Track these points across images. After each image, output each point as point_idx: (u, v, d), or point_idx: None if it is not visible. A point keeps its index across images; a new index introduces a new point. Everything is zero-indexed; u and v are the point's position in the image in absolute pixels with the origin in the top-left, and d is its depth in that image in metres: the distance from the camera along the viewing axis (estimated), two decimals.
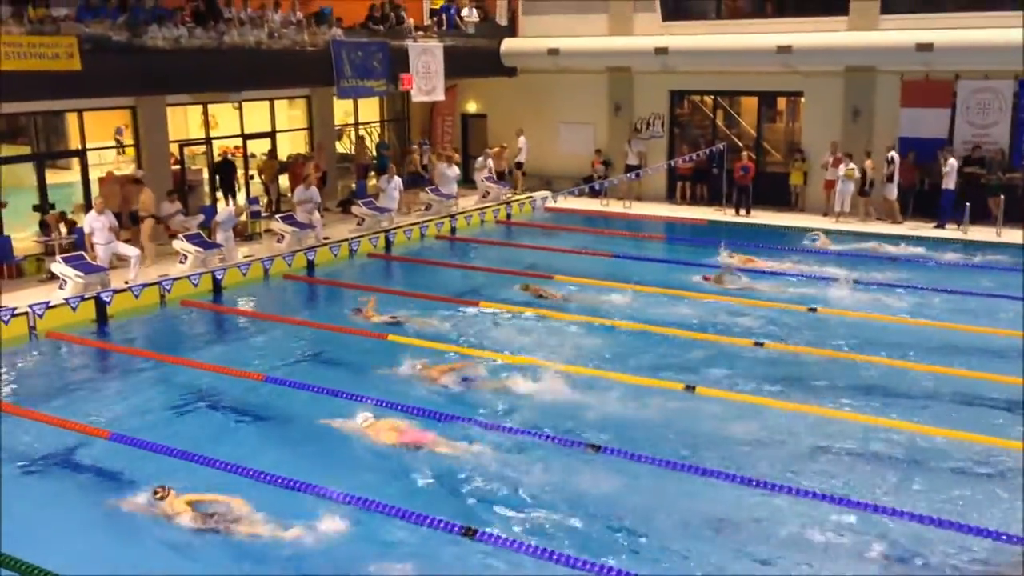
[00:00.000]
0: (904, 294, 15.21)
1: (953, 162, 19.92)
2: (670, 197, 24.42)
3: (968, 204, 19.30)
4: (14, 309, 13.37)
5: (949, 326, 13.29)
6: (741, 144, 23.53)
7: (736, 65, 22.49)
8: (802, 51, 21.31)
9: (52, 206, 17.53)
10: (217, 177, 21.06)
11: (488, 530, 7.82)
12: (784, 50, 21.35)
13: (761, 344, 12.74)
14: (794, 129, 23.91)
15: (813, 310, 14.27)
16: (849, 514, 8.27)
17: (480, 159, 24.15)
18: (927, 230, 19.91)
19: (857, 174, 20.83)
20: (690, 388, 10.99)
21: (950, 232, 19.69)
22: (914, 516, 7.99)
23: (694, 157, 22.55)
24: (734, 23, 23.20)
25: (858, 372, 11.89)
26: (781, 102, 24.35)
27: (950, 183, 19.93)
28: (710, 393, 10.91)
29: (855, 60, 21.40)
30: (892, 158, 20.63)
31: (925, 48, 19.89)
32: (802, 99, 23.03)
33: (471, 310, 14.71)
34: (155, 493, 8.43)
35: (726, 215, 22.08)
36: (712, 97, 24.53)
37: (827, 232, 19.53)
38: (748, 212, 22.06)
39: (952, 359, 12.11)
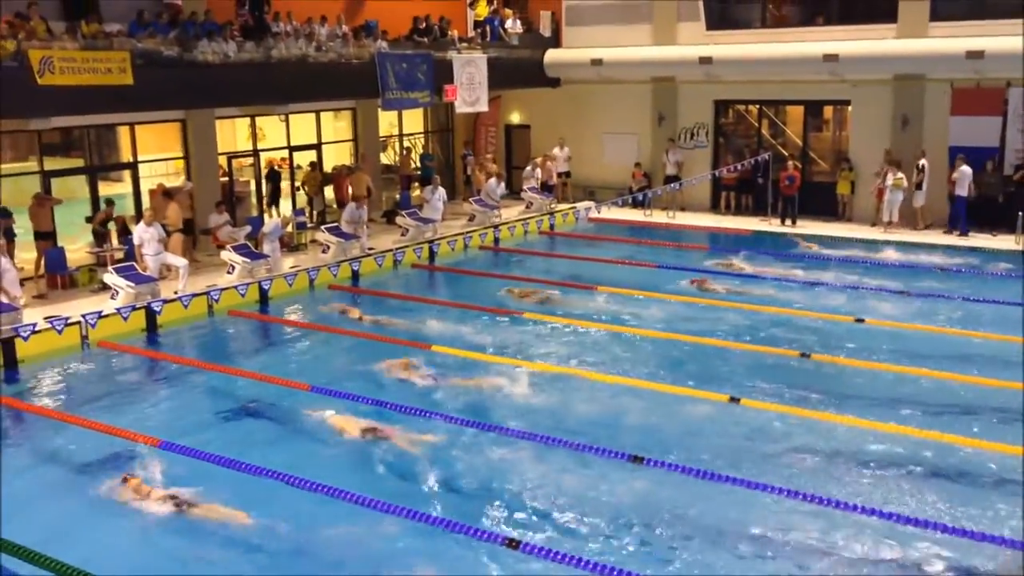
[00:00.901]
0: (954, 305, 14.93)
1: (965, 169, 19.87)
2: (714, 207, 24.27)
3: (1021, 214, 18.94)
4: (67, 318, 13.64)
5: (1002, 338, 13.06)
6: (787, 153, 23.32)
7: (782, 74, 22.29)
8: (849, 59, 21.09)
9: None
10: (269, 187, 21.38)
11: (532, 542, 7.81)
12: (831, 59, 21.14)
13: (808, 355, 12.60)
14: (841, 138, 23.63)
15: (861, 321, 14.09)
16: (901, 529, 8.15)
17: (528, 168, 24.25)
18: (979, 240, 19.63)
19: (906, 183, 20.54)
20: (735, 400, 10.90)
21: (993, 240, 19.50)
22: (966, 533, 7.86)
23: (739, 167, 22.40)
24: (780, 32, 23.03)
25: (906, 384, 11.70)
26: (828, 111, 24.10)
27: (962, 190, 19.94)
28: (755, 405, 10.81)
29: (904, 68, 21.12)
30: (923, 166, 20.52)
31: (975, 55, 19.57)
32: (849, 108, 22.76)
33: (512, 320, 14.77)
34: (124, 480, 9.01)
35: (771, 225, 21.88)
36: (757, 106, 24.35)
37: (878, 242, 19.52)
38: (794, 222, 21.83)
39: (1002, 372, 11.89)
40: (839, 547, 8.04)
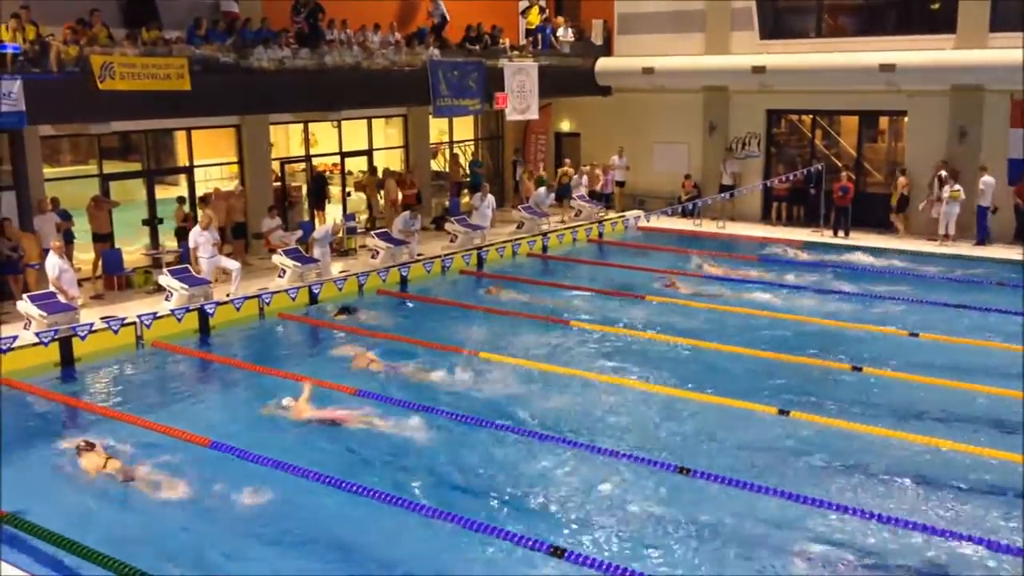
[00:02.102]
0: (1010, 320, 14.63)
1: (988, 180, 20.00)
2: (765, 217, 24.03)
3: None
4: (123, 319, 13.91)
5: None
6: (840, 164, 23.02)
7: (837, 84, 22.03)
8: (906, 69, 20.75)
9: (160, 220, 18.22)
10: (323, 191, 21.62)
11: (577, 551, 7.78)
12: (887, 68, 20.83)
13: (860, 368, 12.40)
14: (896, 149, 23.27)
15: (915, 335, 13.83)
16: (958, 547, 8.00)
17: (576, 176, 24.22)
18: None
19: (962, 195, 20.20)
20: (784, 412, 10.77)
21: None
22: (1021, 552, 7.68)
23: (791, 177, 22.17)
24: (835, 41, 22.74)
25: (961, 400, 11.47)
26: (883, 121, 23.74)
27: (984, 201, 20.17)
28: (805, 418, 10.67)
29: (962, 79, 20.74)
30: (943, 176, 20.49)
31: None
32: (905, 119, 22.41)
33: (559, 328, 14.79)
34: (78, 448, 9.70)
35: (823, 236, 21.60)
36: (811, 116, 24.08)
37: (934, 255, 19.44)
38: (847, 234, 21.53)
39: None
40: (892, 564, 7.91)
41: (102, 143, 17.61)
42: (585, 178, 24.15)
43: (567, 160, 25.51)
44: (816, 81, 22.22)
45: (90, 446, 9.80)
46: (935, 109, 21.41)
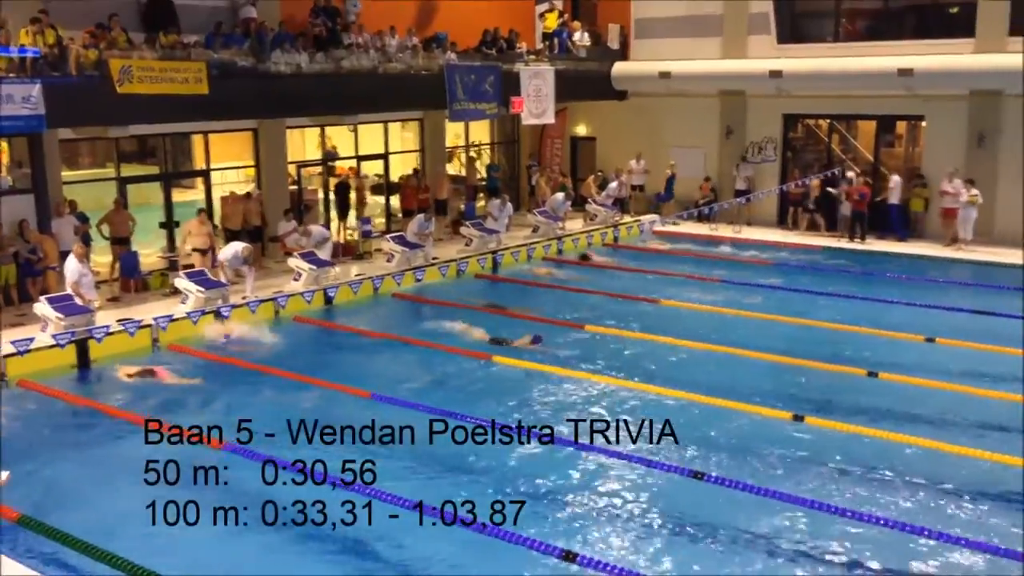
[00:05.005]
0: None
1: (896, 179, 21.17)
2: (781, 222, 23.93)
3: None
4: (140, 321, 13.98)
5: None
6: (857, 169, 22.91)
7: (854, 88, 21.94)
8: (925, 74, 20.65)
9: (177, 223, 18.30)
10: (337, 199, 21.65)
11: (588, 554, 7.77)
12: (905, 73, 20.73)
13: (875, 374, 12.32)
14: (914, 154, 23.14)
15: (931, 340, 13.73)
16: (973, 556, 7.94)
17: (613, 185, 24.01)
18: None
19: (980, 200, 20.07)
20: (798, 418, 10.72)
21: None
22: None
23: (807, 182, 22.08)
24: (852, 45, 22.67)
25: (978, 406, 11.38)
26: (900, 126, 23.63)
27: (894, 199, 21.32)
28: (819, 423, 10.62)
29: (981, 83, 20.62)
30: (850, 179, 21.52)
31: None
32: (923, 123, 22.29)
33: (572, 332, 14.78)
34: None
35: (840, 242, 21.51)
36: (828, 121, 23.98)
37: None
38: (863, 239, 21.43)
39: None
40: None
41: (120, 146, 17.71)
42: (614, 185, 23.94)
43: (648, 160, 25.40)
44: (833, 85, 22.15)
45: None
46: (953, 114, 21.30)
